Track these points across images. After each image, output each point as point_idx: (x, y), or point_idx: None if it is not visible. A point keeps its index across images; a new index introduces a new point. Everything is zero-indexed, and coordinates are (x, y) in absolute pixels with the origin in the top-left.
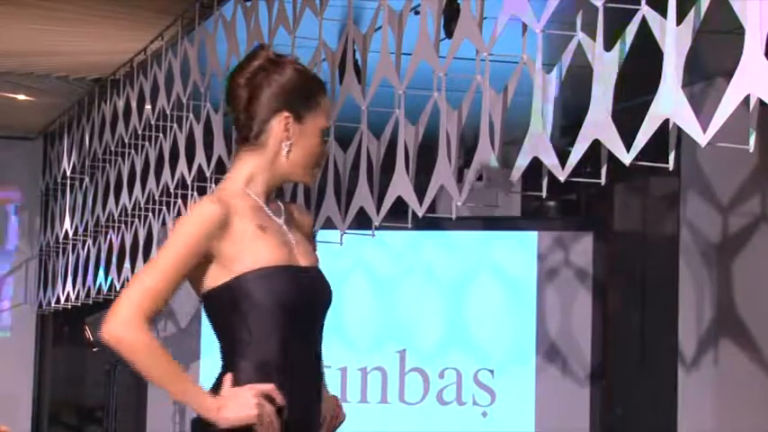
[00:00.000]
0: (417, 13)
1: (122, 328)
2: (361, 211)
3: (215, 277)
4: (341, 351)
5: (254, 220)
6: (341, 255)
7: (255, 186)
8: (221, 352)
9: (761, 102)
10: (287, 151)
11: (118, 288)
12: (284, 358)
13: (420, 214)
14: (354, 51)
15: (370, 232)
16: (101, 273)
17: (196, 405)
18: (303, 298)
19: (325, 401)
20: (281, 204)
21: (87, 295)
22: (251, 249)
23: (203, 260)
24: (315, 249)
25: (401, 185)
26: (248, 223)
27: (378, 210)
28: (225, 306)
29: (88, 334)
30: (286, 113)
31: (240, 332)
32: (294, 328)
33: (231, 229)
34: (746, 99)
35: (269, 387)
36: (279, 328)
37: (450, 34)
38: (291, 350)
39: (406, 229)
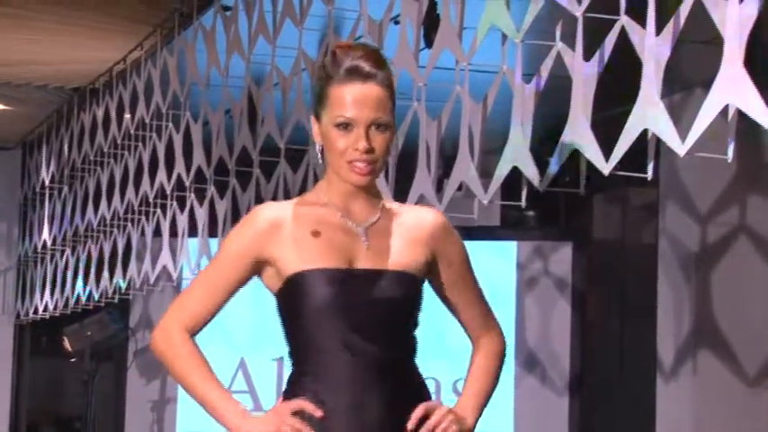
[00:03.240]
0: (397, 22)
1: (155, 334)
2: None
3: (275, 280)
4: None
5: (311, 226)
6: None
7: (331, 194)
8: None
9: (739, 112)
10: (320, 155)
11: (96, 298)
12: (323, 367)
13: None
14: None
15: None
16: (79, 283)
17: (223, 419)
18: (342, 301)
19: (422, 409)
20: (380, 209)
21: (66, 305)
22: (296, 254)
23: (263, 266)
24: (432, 253)
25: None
26: (302, 229)
27: None
28: (283, 310)
29: (66, 344)
30: (312, 116)
31: (288, 340)
32: (335, 334)
33: (281, 235)
34: (725, 109)
35: (295, 404)
36: (317, 334)
37: (429, 44)
38: (333, 358)
39: None
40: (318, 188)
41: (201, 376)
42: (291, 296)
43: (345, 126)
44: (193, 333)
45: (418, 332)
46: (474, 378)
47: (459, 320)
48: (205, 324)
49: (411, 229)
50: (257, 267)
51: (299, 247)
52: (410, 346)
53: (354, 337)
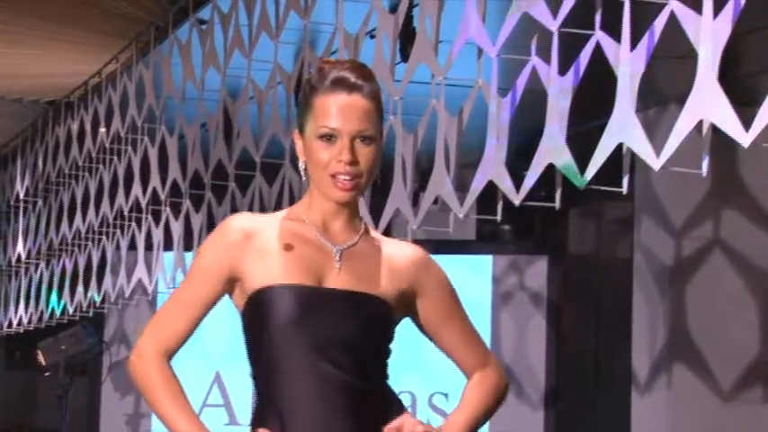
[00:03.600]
0: (373, 36)
1: (132, 359)
2: None
3: (239, 301)
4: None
5: (285, 240)
6: None
7: (311, 210)
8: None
9: (713, 127)
10: (304, 170)
11: (71, 312)
12: (288, 394)
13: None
14: (310, 74)
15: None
16: (53, 297)
17: None
18: (307, 320)
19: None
20: (360, 234)
21: (40, 319)
22: (263, 268)
23: (234, 283)
24: (408, 289)
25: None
26: (274, 243)
27: None
28: (243, 334)
29: (40, 358)
30: (296, 130)
31: (251, 364)
32: (300, 357)
33: (251, 247)
34: (699, 124)
35: None
36: (281, 357)
37: (405, 58)
38: (298, 384)
39: None
40: (300, 205)
41: (172, 404)
42: (254, 314)
43: (329, 137)
44: (170, 355)
45: (393, 345)
46: (465, 404)
47: (453, 360)
48: (182, 343)
49: (390, 258)
50: (230, 281)
51: (267, 261)
52: (381, 374)
53: (321, 361)
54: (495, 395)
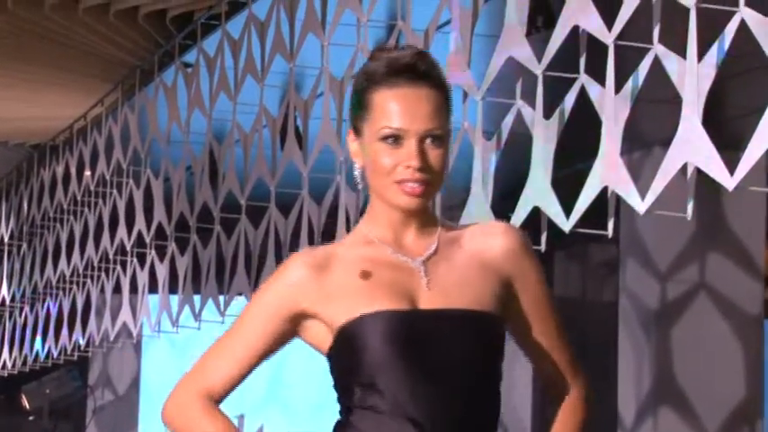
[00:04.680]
0: None
1: (167, 406)
2: None
3: (324, 338)
4: (281, 418)
5: (358, 268)
6: None
7: (377, 227)
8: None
9: (698, 170)
10: (361, 177)
11: (55, 355)
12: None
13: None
14: (296, 117)
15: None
16: (38, 340)
17: None
18: (410, 349)
19: None
20: (437, 237)
21: (24, 363)
22: (344, 302)
23: (304, 323)
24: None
25: None
26: (347, 273)
27: None
28: (333, 369)
29: (25, 402)
30: (350, 131)
31: (344, 409)
32: (403, 393)
33: (323, 283)
34: (684, 167)
35: None
36: (381, 394)
37: None
38: (402, 424)
39: None
40: (362, 224)
41: None
42: (346, 350)
43: (393, 139)
44: (217, 401)
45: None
46: None
47: (537, 367)
48: (230, 390)
49: (479, 255)
50: (293, 325)
51: (347, 294)
52: (495, 404)
53: (427, 395)
54: (586, 415)
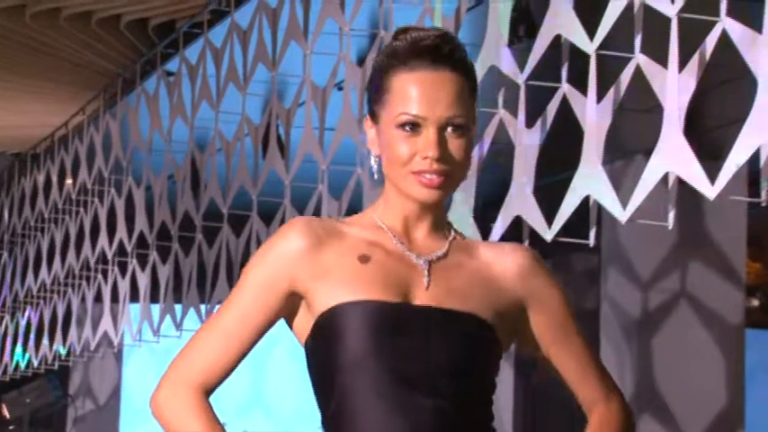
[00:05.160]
0: (341, 89)
1: (156, 396)
2: None
3: (302, 327)
4: (264, 422)
5: (359, 250)
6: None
7: (388, 215)
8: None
9: (679, 180)
10: (377, 164)
11: (36, 365)
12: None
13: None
14: (278, 126)
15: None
16: (18, 349)
17: None
18: (393, 344)
19: None
20: (449, 242)
21: (4, 372)
22: (334, 284)
23: (294, 306)
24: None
25: None
26: (347, 253)
27: None
28: (308, 368)
29: (5, 411)
30: (367, 116)
31: (320, 406)
32: (382, 393)
33: (319, 258)
34: (665, 177)
35: None
36: (357, 391)
37: None
38: (381, 426)
39: None
40: (373, 209)
41: None
42: (324, 339)
43: (411, 126)
44: (207, 391)
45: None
46: None
47: (573, 391)
48: (222, 379)
49: (490, 269)
50: (290, 299)
51: (339, 276)
52: (484, 416)
53: (412, 396)
54: None
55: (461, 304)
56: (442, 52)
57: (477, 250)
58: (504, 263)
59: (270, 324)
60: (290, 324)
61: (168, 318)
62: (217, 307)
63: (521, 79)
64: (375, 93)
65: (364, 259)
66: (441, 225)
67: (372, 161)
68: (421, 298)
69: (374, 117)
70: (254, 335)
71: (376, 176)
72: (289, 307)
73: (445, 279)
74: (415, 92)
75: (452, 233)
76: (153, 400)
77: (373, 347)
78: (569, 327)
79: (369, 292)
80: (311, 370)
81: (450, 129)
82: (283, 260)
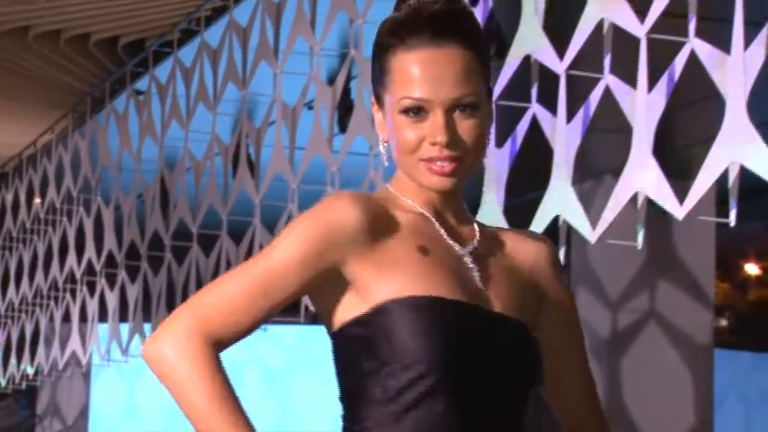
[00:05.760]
0: (311, 107)
1: (159, 339)
2: None
3: (347, 308)
4: None
5: (416, 239)
6: (232, 348)
7: (416, 200)
8: (342, 420)
9: (648, 199)
10: (386, 150)
11: (3, 384)
12: None
13: (313, 309)
14: (248, 145)
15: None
16: None
17: None
18: (472, 351)
19: None
20: (475, 228)
21: None
22: (400, 273)
23: (330, 283)
24: (542, 296)
25: None
26: (405, 241)
27: None
28: (353, 350)
29: None
30: (372, 99)
31: (370, 389)
32: (454, 394)
33: (377, 243)
34: (635, 196)
35: None
36: (427, 389)
37: (343, 129)
38: (446, 426)
39: (299, 323)
40: (399, 191)
41: (230, 411)
42: (379, 333)
43: (416, 111)
44: (220, 346)
45: (336, 417)
46: None
47: (555, 400)
48: (237, 339)
49: (518, 260)
50: (324, 280)
51: (403, 268)
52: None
53: (478, 412)
54: None
55: (513, 308)
56: (445, 24)
57: (501, 238)
58: (526, 255)
59: (303, 292)
60: (317, 305)
61: (137, 337)
62: None
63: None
64: (377, 73)
65: (424, 251)
66: (463, 211)
67: (381, 147)
68: (484, 298)
69: (378, 101)
70: (276, 306)
71: (386, 163)
72: (326, 281)
73: (490, 273)
74: (416, 72)
75: (474, 220)
76: (154, 342)
77: (448, 349)
78: (577, 335)
79: (441, 289)
80: (353, 366)
81: (458, 109)
82: (339, 233)
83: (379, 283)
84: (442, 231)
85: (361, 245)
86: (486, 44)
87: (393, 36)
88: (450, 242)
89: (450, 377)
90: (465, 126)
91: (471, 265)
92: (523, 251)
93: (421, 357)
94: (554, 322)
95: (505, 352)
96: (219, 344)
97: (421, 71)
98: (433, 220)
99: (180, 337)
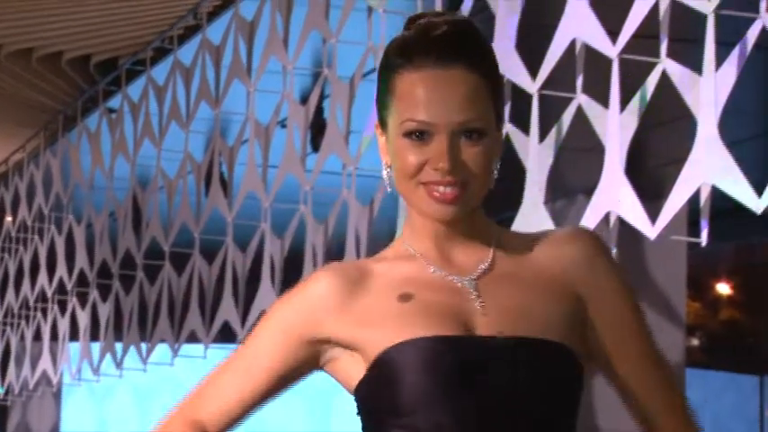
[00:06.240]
0: (284, 126)
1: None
2: (226, 325)
3: (351, 374)
4: None
5: (396, 289)
6: (206, 368)
7: (417, 240)
8: None
9: (620, 219)
10: (389, 177)
11: None
12: None
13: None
14: (221, 164)
15: (234, 345)
16: None
17: None
18: (461, 382)
19: None
20: (492, 250)
21: None
22: (382, 328)
23: (324, 353)
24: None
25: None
26: (384, 295)
27: (243, 323)
28: (360, 411)
29: None
30: (377, 123)
31: None
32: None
33: (354, 306)
34: (607, 216)
35: None
36: (421, 428)
37: (316, 148)
38: None
39: None
40: (402, 237)
41: None
42: (382, 384)
43: (419, 135)
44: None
45: None
46: None
47: (632, 411)
48: (227, 425)
49: (546, 269)
50: (313, 352)
51: (383, 320)
52: None
53: None
54: None
55: (526, 325)
56: (450, 45)
57: (528, 249)
58: (562, 256)
59: (291, 371)
60: (330, 373)
61: (108, 356)
62: (158, 345)
63: None
64: (381, 94)
65: (405, 298)
66: (478, 235)
67: (384, 173)
68: (481, 326)
69: (382, 123)
70: (266, 388)
71: (389, 189)
72: (317, 358)
73: (499, 296)
74: (421, 94)
75: (494, 239)
76: None
77: (437, 383)
78: (634, 329)
79: (421, 329)
80: (366, 414)
81: (464, 135)
82: (311, 307)
83: (365, 342)
84: (434, 270)
85: (334, 311)
86: (496, 68)
87: (400, 56)
88: (449, 277)
89: (440, 416)
90: (470, 153)
91: (473, 295)
92: (553, 256)
93: (410, 408)
94: (604, 320)
95: (502, 377)
96: (203, 429)
97: (425, 93)
98: (429, 261)
99: (165, 418)
